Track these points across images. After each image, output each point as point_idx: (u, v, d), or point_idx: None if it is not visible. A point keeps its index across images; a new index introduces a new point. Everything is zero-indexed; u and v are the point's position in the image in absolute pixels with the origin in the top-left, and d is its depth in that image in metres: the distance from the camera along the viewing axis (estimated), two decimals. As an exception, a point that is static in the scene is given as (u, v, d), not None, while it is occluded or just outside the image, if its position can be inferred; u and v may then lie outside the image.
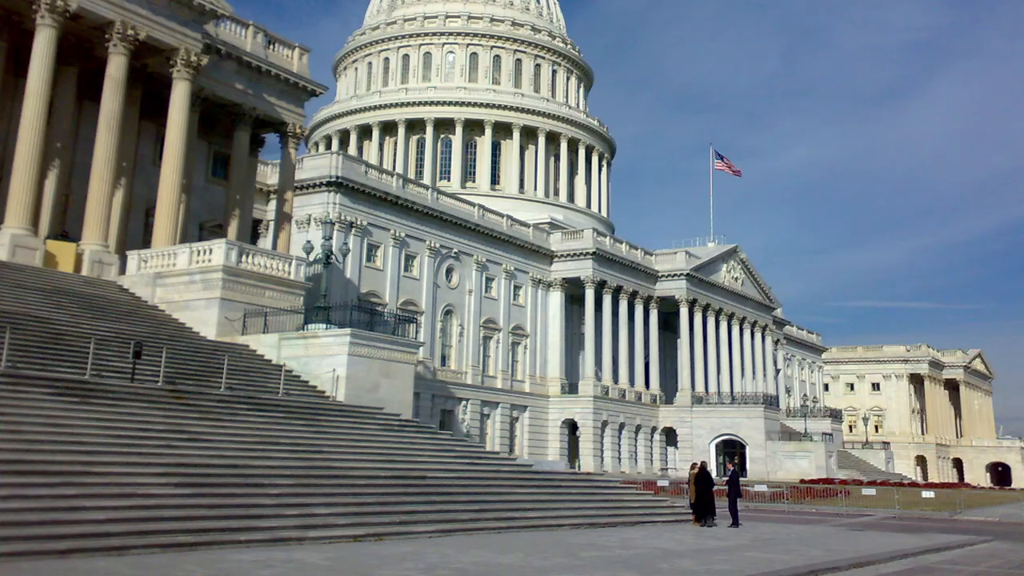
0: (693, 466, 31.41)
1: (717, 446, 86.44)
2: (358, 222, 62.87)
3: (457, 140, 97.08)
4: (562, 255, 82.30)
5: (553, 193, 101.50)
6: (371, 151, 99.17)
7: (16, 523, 15.86)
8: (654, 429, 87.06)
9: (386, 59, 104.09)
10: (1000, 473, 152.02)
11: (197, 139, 45.97)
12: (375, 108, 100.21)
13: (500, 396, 74.29)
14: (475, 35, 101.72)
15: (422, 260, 68.64)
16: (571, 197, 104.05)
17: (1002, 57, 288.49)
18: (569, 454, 78.47)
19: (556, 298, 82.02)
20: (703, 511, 30.09)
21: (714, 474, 57.76)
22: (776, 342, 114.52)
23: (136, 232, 43.88)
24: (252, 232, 54.29)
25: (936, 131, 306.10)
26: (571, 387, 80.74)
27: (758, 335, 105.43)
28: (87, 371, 25.24)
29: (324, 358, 35.00)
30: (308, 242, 42.85)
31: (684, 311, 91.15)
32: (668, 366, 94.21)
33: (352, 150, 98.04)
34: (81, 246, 38.79)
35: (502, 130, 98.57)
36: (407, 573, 16.00)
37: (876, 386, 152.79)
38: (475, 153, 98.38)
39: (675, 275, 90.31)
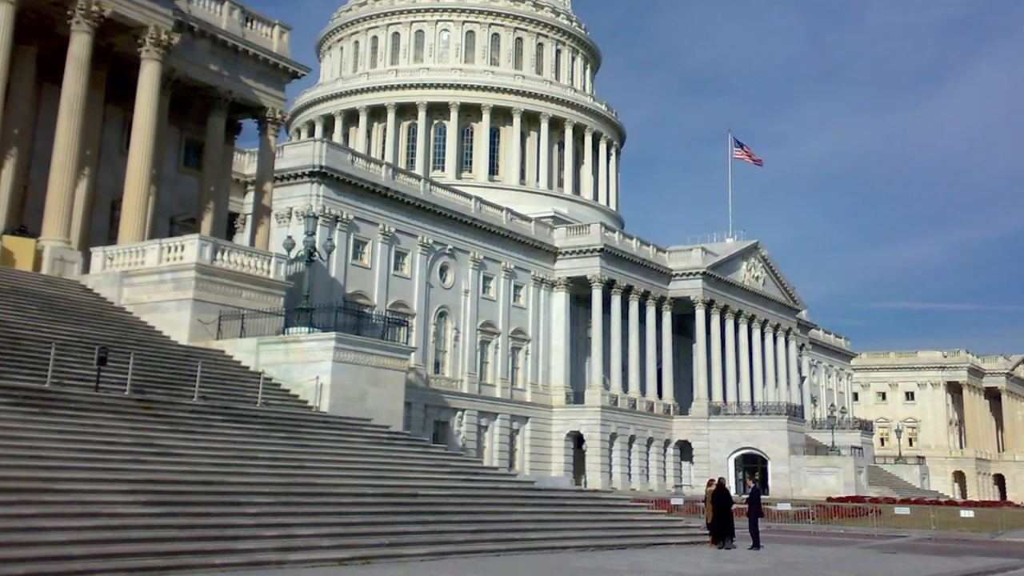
0: (710, 483, 31.48)
1: (736, 461, 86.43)
2: (344, 216, 62.91)
3: (452, 126, 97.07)
4: (567, 252, 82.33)
5: (557, 184, 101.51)
6: (358, 138, 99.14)
7: (-30, 545, 15.86)
8: (667, 442, 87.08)
9: (374, 38, 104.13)
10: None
11: (168, 125, 45.97)
12: (362, 91, 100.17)
13: (499, 406, 74.32)
14: (472, 11, 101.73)
15: (414, 257, 68.66)
16: (576, 189, 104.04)
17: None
18: (574, 470, 78.48)
19: (560, 299, 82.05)
20: (721, 532, 30.14)
21: (733, 491, 57.61)
22: (801, 347, 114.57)
23: (101, 227, 43.88)
24: (228, 227, 54.31)
25: (976, 116, 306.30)
26: (576, 396, 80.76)
27: (781, 339, 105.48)
28: (47, 379, 25.25)
29: (306, 365, 35.03)
30: (289, 238, 42.87)
31: (700, 313, 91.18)
32: (683, 373, 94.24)
33: (337, 137, 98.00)
34: (41, 242, 38.80)
35: (501, 115, 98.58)
36: (397, 600, 16.01)
37: (910, 395, 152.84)
38: (472, 141, 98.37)
39: (690, 274, 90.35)
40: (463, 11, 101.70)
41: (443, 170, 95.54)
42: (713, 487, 30.76)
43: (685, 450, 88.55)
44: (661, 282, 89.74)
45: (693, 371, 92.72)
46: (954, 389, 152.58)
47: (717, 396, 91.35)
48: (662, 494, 71.29)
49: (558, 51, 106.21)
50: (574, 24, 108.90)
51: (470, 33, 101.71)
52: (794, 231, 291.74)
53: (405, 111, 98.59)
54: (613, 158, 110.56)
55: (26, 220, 40.47)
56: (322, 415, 32.89)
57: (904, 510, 56.16)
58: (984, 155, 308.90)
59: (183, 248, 37.65)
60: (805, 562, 27.03)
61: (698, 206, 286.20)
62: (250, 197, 58.14)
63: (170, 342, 35.34)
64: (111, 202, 44.23)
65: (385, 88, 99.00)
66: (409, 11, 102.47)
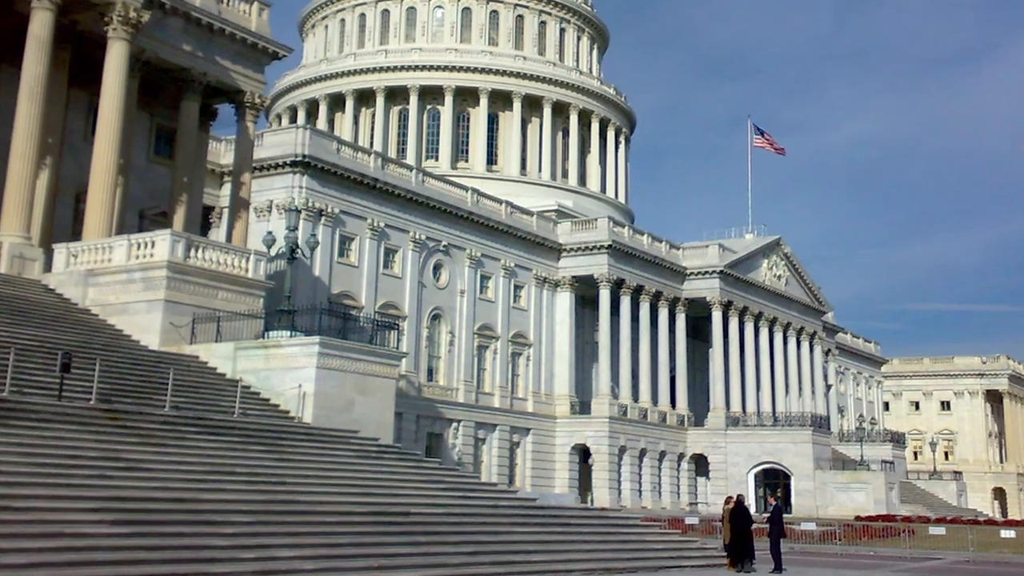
0: (728, 500, 31.52)
1: (756, 476, 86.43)
2: (329, 209, 62.93)
3: (447, 112, 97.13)
4: (572, 249, 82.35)
5: (561, 175, 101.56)
6: (344, 125, 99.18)
7: (-79, 568, 15.87)
8: (681, 456, 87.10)
9: (362, 15, 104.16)
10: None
11: (137, 110, 45.97)
12: (349, 74, 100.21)
13: (498, 417, 74.34)
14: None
15: (405, 255, 68.70)
16: (582, 180, 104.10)
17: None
18: (580, 486, 78.50)
19: (565, 300, 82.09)
20: (740, 554, 30.17)
21: (753, 510, 57.85)
22: (827, 352, 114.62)
23: (64, 221, 43.87)
24: (203, 221, 54.30)
25: (1017, 100, 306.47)
26: (582, 406, 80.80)
27: (805, 344, 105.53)
28: (6, 387, 25.26)
29: (288, 371, 35.03)
30: (269, 233, 42.85)
31: (717, 315, 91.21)
32: (698, 381, 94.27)
33: (322, 124, 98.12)
34: (-2, 238, 38.80)
35: (500, 100, 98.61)
36: (387, 628, 15.99)
37: (946, 405, 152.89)
38: (468, 127, 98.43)
39: (706, 273, 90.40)
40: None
41: (437, 160, 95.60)
42: (731, 505, 30.80)
43: (700, 465, 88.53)
44: (675, 282, 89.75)
45: (709, 379, 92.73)
46: (994, 398, 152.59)
47: (735, 406, 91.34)
48: (676, 512, 71.28)
49: (562, 30, 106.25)
50: (580, 0, 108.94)
51: (466, 10, 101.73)
52: (819, 226, 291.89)
53: (395, 95, 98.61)
54: (622, 146, 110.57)
55: (-18, 214, 40.44)
56: (305, 426, 32.91)
57: (939, 530, 56.16)
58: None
59: (153, 244, 37.64)
60: (831, 587, 27.02)
61: (715, 199, 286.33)
62: (227, 189, 58.14)
63: (139, 347, 35.34)
64: (75, 194, 44.23)
65: (374, 70, 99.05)
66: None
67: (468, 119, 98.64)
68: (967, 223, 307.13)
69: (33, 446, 22.27)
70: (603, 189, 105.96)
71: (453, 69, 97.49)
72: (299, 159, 61.52)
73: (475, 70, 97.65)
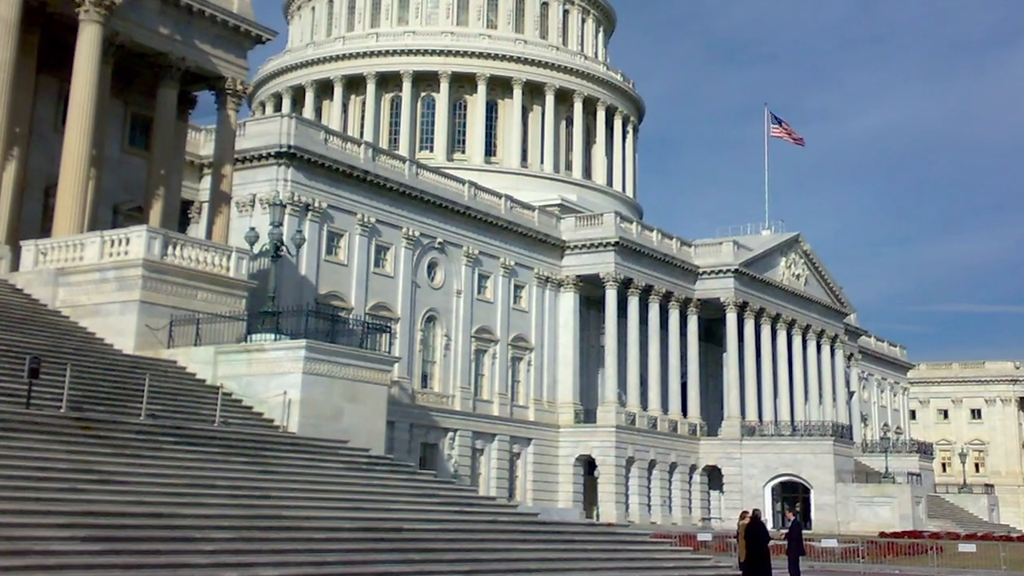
0: (743, 515, 31.54)
1: (774, 490, 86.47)
2: (316, 204, 62.98)
3: (442, 100, 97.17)
4: (576, 246, 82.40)
5: (564, 167, 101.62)
6: (332, 113, 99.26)
7: None
8: (693, 468, 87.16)
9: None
10: None
11: (111, 98, 46.00)
12: (337, 58, 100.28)
13: (497, 426, 74.39)
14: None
15: (397, 252, 68.74)
16: (587, 172, 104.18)
17: None
18: (585, 500, 78.58)
19: (568, 301, 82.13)
20: (756, 573, 30.18)
21: (770, 526, 57.92)
22: (849, 357, 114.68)
23: (33, 217, 43.91)
24: (181, 216, 54.33)
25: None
26: (587, 414, 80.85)
27: (826, 348, 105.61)
28: (-30, 394, 25.28)
29: (272, 377, 35.07)
30: (252, 229, 42.82)
31: (731, 317, 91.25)
32: (711, 387, 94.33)
33: (308, 112, 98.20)
34: (-38, 235, 38.85)
35: (499, 87, 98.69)
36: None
37: (976, 413, 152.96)
38: (465, 116, 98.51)
39: (720, 271, 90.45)
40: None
41: (432, 151, 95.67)
42: (747, 520, 30.83)
43: (714, 477, 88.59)
44: (686, 281, 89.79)
45: (723, 385, 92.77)
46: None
47: (751, 414, 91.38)
48: (687, 528, 71.35)
49: (566, 11, 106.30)
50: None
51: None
52: (841, 222, 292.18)
53: (387, 82, 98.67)
54: (630, 137, 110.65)
55: (-55, 209, 40.48)
56: (290, 436, 32.96)
57: (969, 547, 56.18)
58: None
59: (128, 241, 37.68)
60: (854, 608, 27.08)
61: (729, 193, 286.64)
62: (206, 182, 58.16)
63: (113, 351, 35.38)
64: (44, 188, 44.25)
65: (364, 55, 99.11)
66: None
67: (465, 107, 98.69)
68: (999, 218, 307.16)
69: (-1, 457, 22.29)
70: (609, 182, 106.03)
71: (449, 54, 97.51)
72: (284, 150, 61.55)
73: (472, 55, 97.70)
